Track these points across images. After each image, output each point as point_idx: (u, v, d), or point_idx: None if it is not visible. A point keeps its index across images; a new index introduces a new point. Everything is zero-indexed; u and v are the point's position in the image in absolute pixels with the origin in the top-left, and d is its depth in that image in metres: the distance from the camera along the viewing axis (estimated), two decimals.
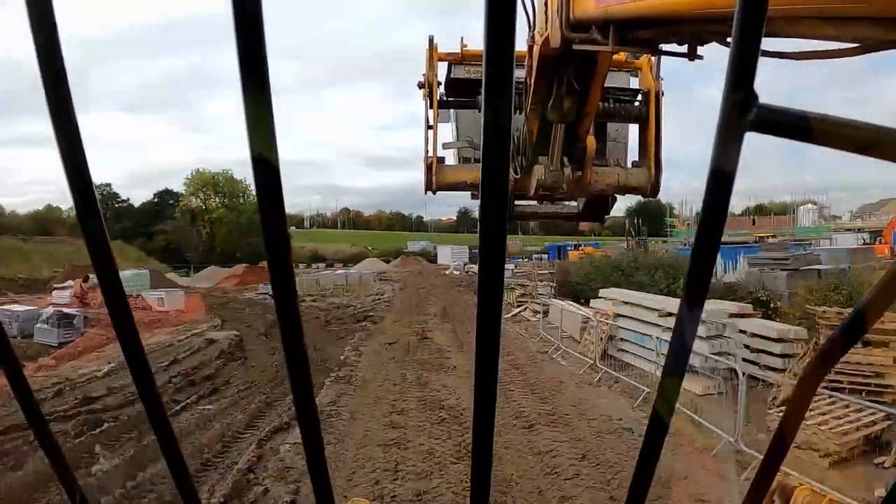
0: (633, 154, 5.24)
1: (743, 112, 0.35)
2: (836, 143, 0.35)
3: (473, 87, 5.37)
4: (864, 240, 43.49)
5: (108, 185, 72.81)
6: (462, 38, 5.52)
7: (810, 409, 0.45)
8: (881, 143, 0.34)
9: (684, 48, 2.73)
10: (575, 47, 3.20)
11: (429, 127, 5.37)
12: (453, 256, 62.61)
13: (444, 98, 5.55)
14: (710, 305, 11.31)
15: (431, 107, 5.37)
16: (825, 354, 0.41)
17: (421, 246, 79.79)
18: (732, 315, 11.73)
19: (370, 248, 79.83)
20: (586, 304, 17.75)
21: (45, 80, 0.33)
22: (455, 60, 5.52)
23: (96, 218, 0.36)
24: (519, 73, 4.12)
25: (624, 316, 13.92)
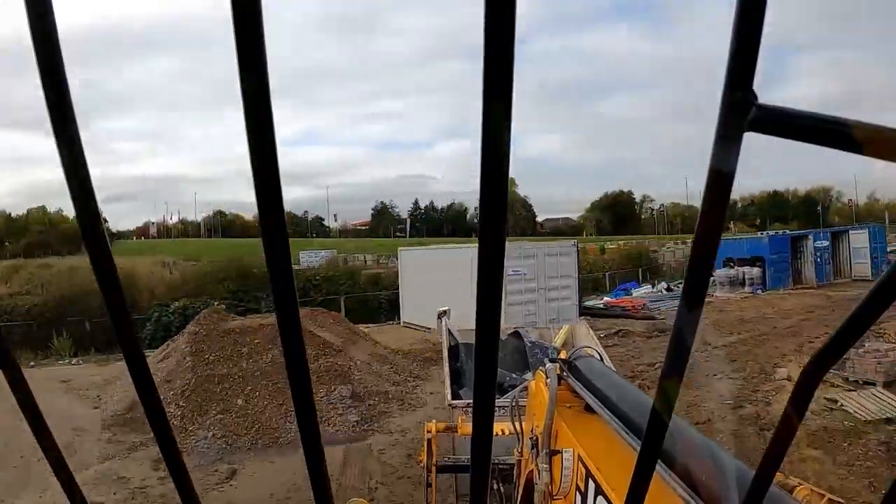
0: None
1: (742, 112, 0.35)
2: (835, 142, 0.35)
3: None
4: None
5: None
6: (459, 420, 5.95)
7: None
8: (881, 143, 0.34)
9: None
10: None
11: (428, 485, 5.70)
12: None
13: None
14: None
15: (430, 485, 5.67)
16: (825, 352, 0.41)
17: (322, 258, 42.70)
18: None
19: (191, 261, 39.67)
20: None
21: (44, 81, 0.33)
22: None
23: (97, 221, 0.36)
24: None
25: None
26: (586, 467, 2.24)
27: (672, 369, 0.42)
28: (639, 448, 0.47)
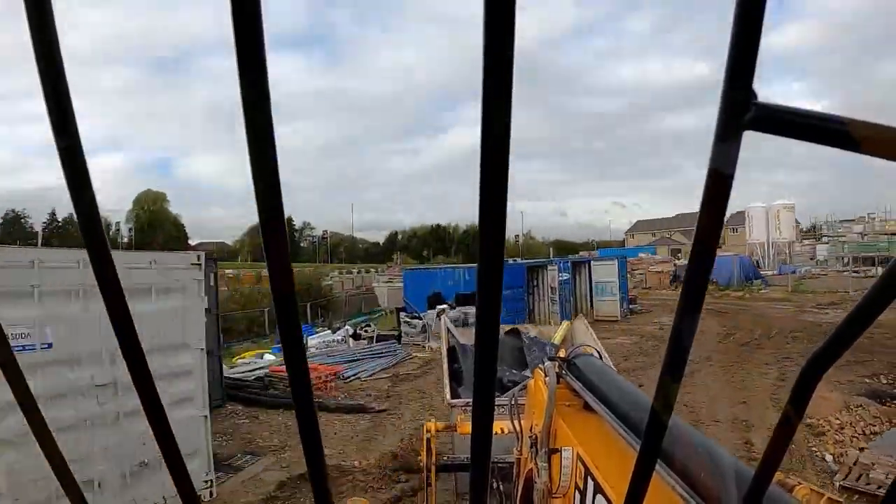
0: None
1: (741, 111, 0.35)
2: (835, 141, 0.35)
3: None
4: None
5: None
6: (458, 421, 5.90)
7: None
8: (879, 141, 0.34)
9: None
10: None
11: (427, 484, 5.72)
12: None
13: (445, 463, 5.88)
14: None
15: (429, 484, 5.67)
16: (826, 352, 0.41)
17: None
18: None
19: None
20: None
21: (44, 82, 0.33)
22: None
23: (97, 222, 0.36)
24: None
25: None
26: (585, 466, 2.24)
27: (670, 371, 0.42)
28: (638, 447, 0.48)
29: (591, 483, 2.17)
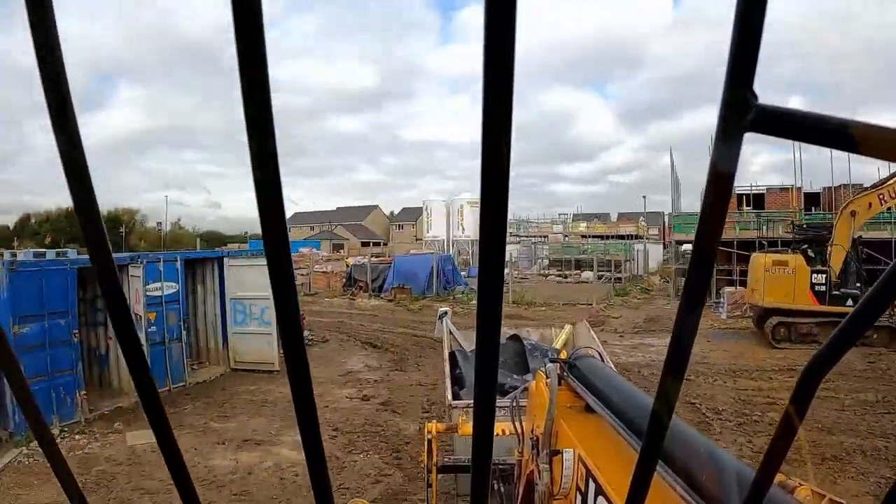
0: None
1: (742, 112, 0.35)
2: (835, 143, 0.35)
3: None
4: None
5: None
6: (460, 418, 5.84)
7: None
8: (879, 142, 0.34)
9: None
10: None
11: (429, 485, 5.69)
12: None
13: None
14: None
15: (430, 485, 5.61)
16: (826, 353, 0.41)
17: None
18: None
19: None
20: None
21: (45, 80, 0.33)
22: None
23: (96, 216, 0.36)
24: None
25: None
26: (587, 467, 2.24)
27: (672, 369, 0.42)
28: (639, 448, 0.47)
29: (592, 484, 2.16)
